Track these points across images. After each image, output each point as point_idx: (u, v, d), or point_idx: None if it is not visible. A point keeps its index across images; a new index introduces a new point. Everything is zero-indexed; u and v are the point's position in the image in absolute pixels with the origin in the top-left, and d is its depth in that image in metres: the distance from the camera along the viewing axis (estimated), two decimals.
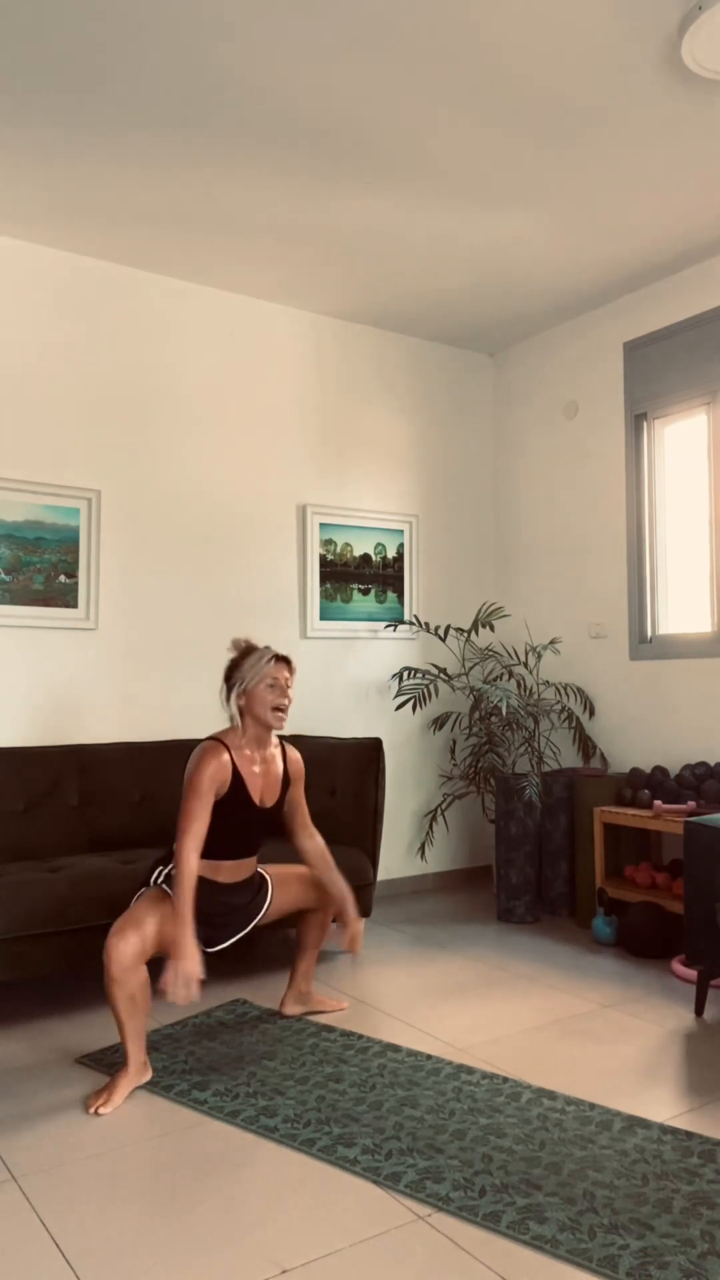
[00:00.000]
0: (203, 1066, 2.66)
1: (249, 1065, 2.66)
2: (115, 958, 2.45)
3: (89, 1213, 1.97)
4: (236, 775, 2.73)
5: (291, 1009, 3.06)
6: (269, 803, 2.83)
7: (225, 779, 2.70)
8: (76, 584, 3.97)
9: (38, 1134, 2.30)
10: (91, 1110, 2.40)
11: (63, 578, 3.95)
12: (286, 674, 2.80)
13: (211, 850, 2.74)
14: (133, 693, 4.11)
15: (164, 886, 2.66)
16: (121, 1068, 2.52)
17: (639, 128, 3.14)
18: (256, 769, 2.80)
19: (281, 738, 2.95)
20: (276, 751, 2.89)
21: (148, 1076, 2.56)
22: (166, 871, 2.71)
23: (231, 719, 2.80)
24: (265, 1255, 1.82)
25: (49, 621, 3.90)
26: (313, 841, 2.95)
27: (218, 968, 3.57)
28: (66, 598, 3.95)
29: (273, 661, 2.78)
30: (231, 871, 2.78)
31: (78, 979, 3.48)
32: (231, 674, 2.81)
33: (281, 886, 2.95)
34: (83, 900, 3.04)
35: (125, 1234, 1.90)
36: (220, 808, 2.70)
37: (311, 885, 2.99)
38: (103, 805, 3.70)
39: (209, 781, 2.65)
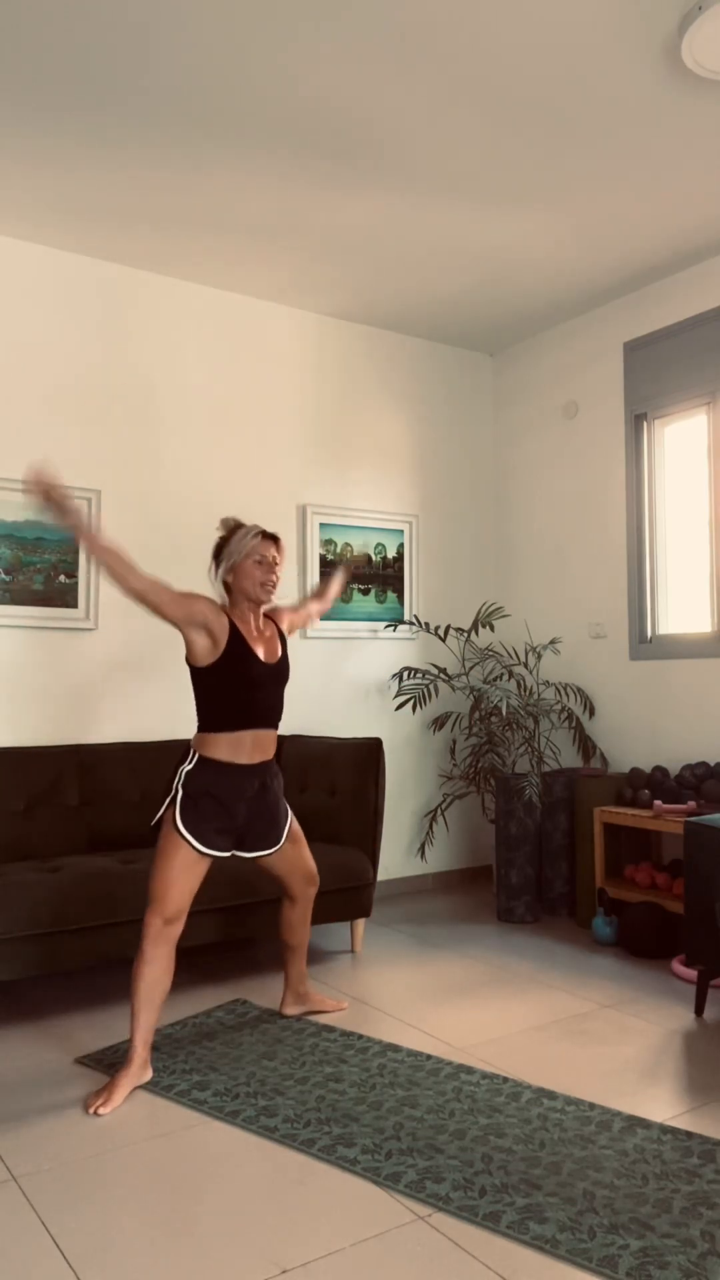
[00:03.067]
0: (203, 1066, 2.66)
1: (249, 1065, 2.66)
2: (153, 934, 2.55)
3: (89, 1213, 1.97)
4: (235, 631, 2.69)
5: (291, 1009, 3.06)
6: (272, 659, 2.79)
7: (222, 629, 2.66)
8: (76, 584, 3.97)
9: (38, 1134, 2.30)
10: (91, 1110, 2.40)
11: (63, 578, 3.95)
12: (274, 551, 2.77)
13: (229, 721, 2.70)
14: (133, 693, 4.11)
15: (178, 825, 2.62)
16: (122, 1066, 2.52)
17: (639, 128, 3.14)
18: (254, 634, 2.78)
19: (270, 613, 2.94)
20: (267, 624, 2.88)
21: (148, 1076, 2.56)
22: (185, 768, 2.69)
23: (221, 596, 2.78)
24: (265, 1255, 1.82)
25: (49, 621, 3.90)
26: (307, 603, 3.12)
27: (218, 968, 3.57)
28: (66, 598, 3.95)
29: (259, 537, 2.75)
30: (253, 746, 2.74)
31: (78, 979, 3.48)
32: (220, 550, 2.79)
33: (294, 834, 2.95)
34: (83, 900, 3.04)
35: (125, 1234, 1.90)
36: (224, 668, 2.67)
37: (305, 868, 2.98)
38: (103, 805, 3.70)
39: (198, 603, 2.62)
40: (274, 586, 2.75)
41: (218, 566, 2.78)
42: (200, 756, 2.71)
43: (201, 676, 2.71)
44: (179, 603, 2.60)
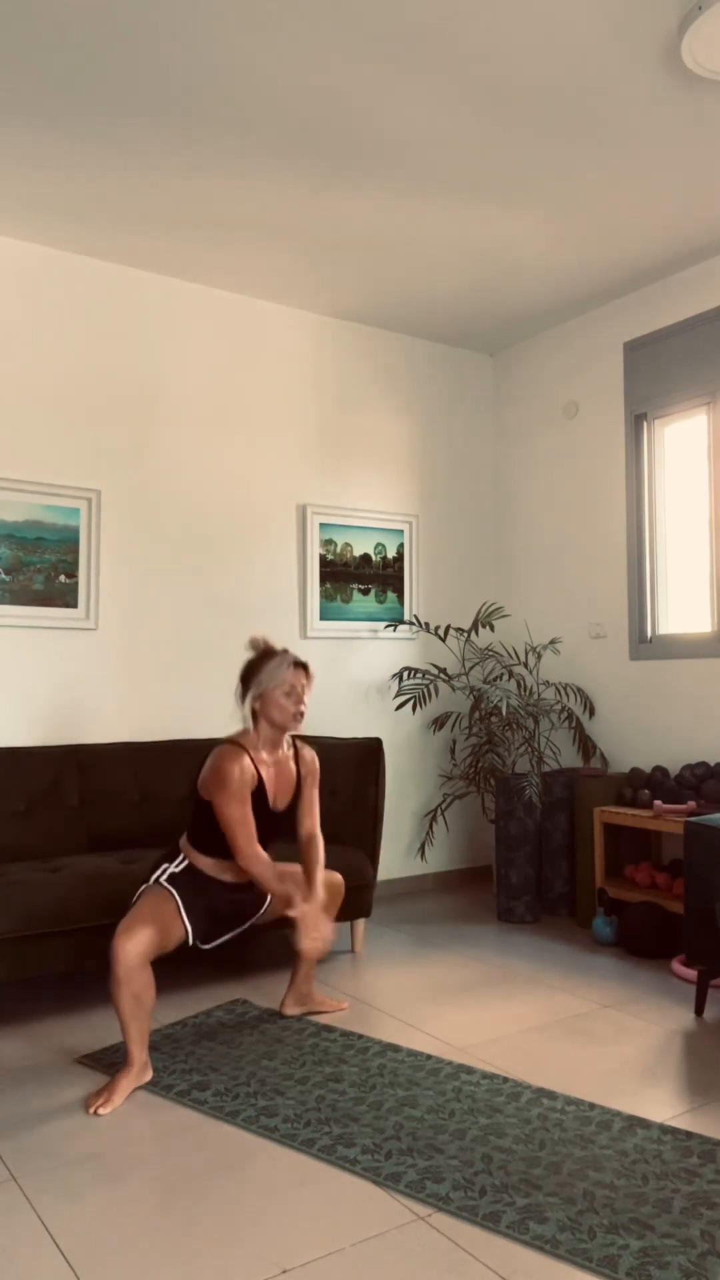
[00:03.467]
0: (203, 1066, 2.66)
1: (249, 1065, 2.66)
2: (121, 957, 2.46)
3: (89, 1213, 1.97)
4: (258, 779, 2.75)
5: (291, 1009, 3.06)
6: (281, 806, 2.85)
7: (252, 782, 2.71)
8: (76, 584, 3.97)
9: (38, 1134, 2.30)
10: (91, 1110, 2.40)
11: (63, 578, 3.95)
12: (304, 680, 2.80)
13: (220, 850, 2.74)
14: (133, 693, 4.11)
15: (166, 885, 2.67)
16: (122, 1068, 2.52)
17: (639, 128, 3.14)
18: (270, 771, 2.82)
19: (294, 736, 2.95)
20: (289, 752, 2.90)
21: (148, 1077, 2.56)
22: (170, 870, 2.71)
23: (245, 720, 2.81)
24: (265, 1255, 1.82)
25: (49, 621, 3.90)
26: (310, 828, 2.93)
27: (218, 968, 3.57)
28: (66, 598, 3.95)
29: (292, 668, 2.78)
30: (238, 872, 2.78)
31: (78, 979, 3.48)
32: (249, 675, 2.81)
33: (329, 887, 2.98)
34: (83, 900, 3.04)
35: (125, 1234, 1.90)
36: None
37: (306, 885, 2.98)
38: (103, 805, 3.70)
39: (241, 785, 2.67)
40: (302, 716, 2.79)
41: (245, 690, 2.80)
42: (189, 864, 2.76)
43: (207, 808, 2.74)
44: (246, 801, 2.67)
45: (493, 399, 5.33)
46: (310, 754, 2.95)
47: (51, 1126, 2.34)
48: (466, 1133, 2.26)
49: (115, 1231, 1.90)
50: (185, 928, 2.63)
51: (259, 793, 2.76)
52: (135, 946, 2.48)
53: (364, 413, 4.84)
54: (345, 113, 3.04)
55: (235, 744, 2.74)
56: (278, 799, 2.83)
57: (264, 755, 2.80)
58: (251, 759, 2.73)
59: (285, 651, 2.82)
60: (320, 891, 2.80)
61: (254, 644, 2.86)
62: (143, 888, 2.71)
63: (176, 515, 4.26)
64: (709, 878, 3.00)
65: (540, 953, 3.78)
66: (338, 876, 3.07)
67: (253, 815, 2.72)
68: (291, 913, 2.66)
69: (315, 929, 2.67)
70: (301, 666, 2.81)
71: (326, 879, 3.00)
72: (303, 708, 2.78)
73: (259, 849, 2.69)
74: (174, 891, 2.66)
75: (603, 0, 2.55)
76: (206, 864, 2.75)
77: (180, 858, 2.76)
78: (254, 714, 2.80)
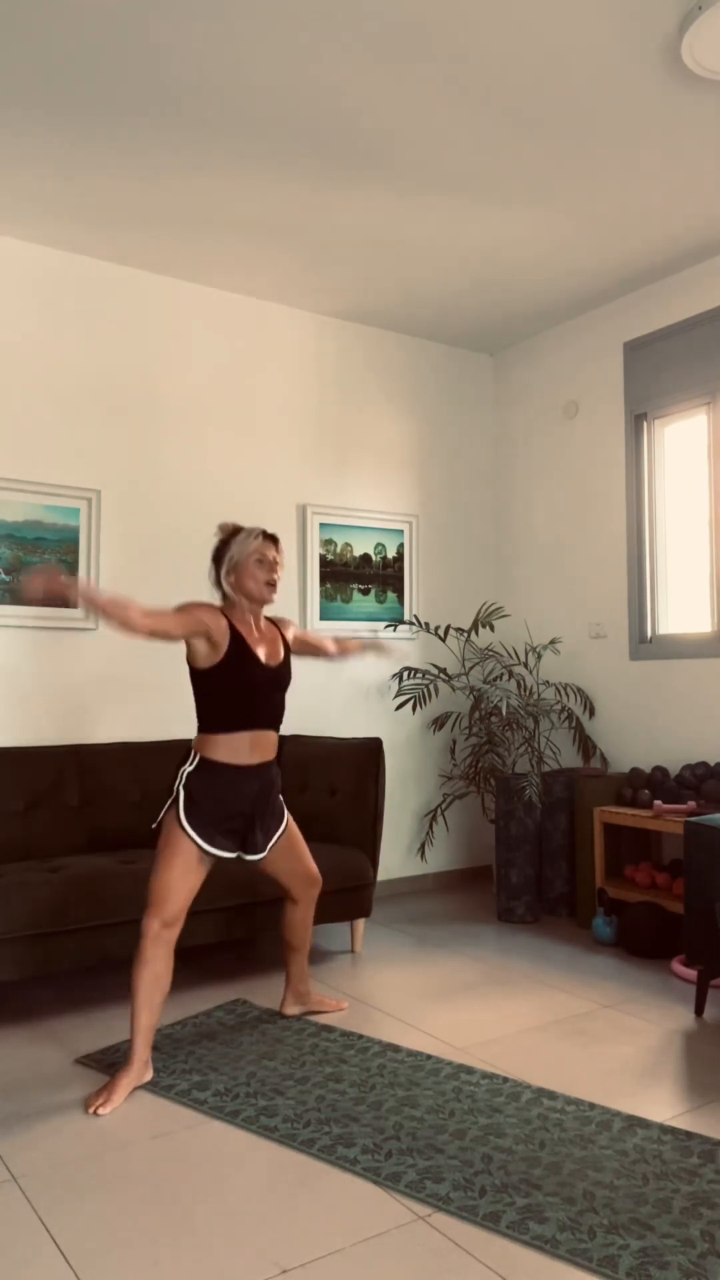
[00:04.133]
0: (203, 1066, 2.66)
1: (249, 1065, 2.66)
2: (151, 935, 2.55)
3: (89, 1213, 1.97)
4: (235, 633, 2.69)
5: (291, 1009, 3.06)
6: (274, 662, 2.79)
7: (222, 633, 2.66)
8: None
9: (38, 1134, 2.30)
10: (91, 1110, 2.40)
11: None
12: (275, 551, 2.78)
13: (229, 722, 2.70)
14: (133, 692, 4.11)
15: (184, 822, 2.62)
16: (123, 1067, 2.52)
17: (639, 128, 3.14)
18: (255, 636, 2.78)
19: (272, 617, 2.97)
20: (270, 627, 2.89)
21: (148, 1077, 2.56)
22: (186, 772, 2.69)
23: (224, 598, 2.78)
24: (265, 1255, 1.82)
25: (49, 621, 3.90)
26: (318, 640, 3.03)
27: (218, 968, 3.57)
28: (66, 598, 3.95)
29: (260, 538, 2.76)
30: (252, 747, 2.74)
31: (78, 979, 3.48)
32: (220, 554, 2.79)
33: (291, 836, 2.94)
34: (83, 900, 3.04)
35: (125, 1234, 1.90)
36: (225, 670, 2.67)
37: (304, 870, 2.98)
38: (103, 805, 3.70)
39: (197, 612, 2.62)
40: (275, 585, 2.77)
41: (218, 570, 2.78)
42: (201, 758, 2.71)
43: (201, 679, 2.71)
44: (181, 621, 2.60)
45: (493, 399, 5.33)
46: (286, 619, 3.00)
47: (51, 1126, 2.34)
48: (466, 1133, 2.26)
49: (115, 1231, 1.91)
50: (210, 854, 2.65)
51: (243, 646, 2.70)
52: (163, 920, 2.56)
53: (364, 413, 4.84)
54: (345, 113, 3.04)
55: (212, 605, 2.74)
56: (268, 657, 2.78)
57: (243, 627, 2.76)
58: (229, 620, 2.70)
59: (255, 527, 2.80)
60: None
61: (222, 528, 2.83)
62: (161, 817, 2.69)
63: (176, 515, 4.26)
64: (709, 878, 3.01)
65: (540, 953, 3.78)
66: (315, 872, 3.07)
67: (242, 676, 2.68)
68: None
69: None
70: (271, 537, 2.79)
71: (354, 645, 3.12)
72: (275, 576, 2.76)
73: (140, 614, 2.55)
74: (190, 831, 2.62)
75: (603, 0, 2.55)
76: (220, 748, 2.70)
77: (193, 756, 2.72)
78: (231, 590, 2.76)
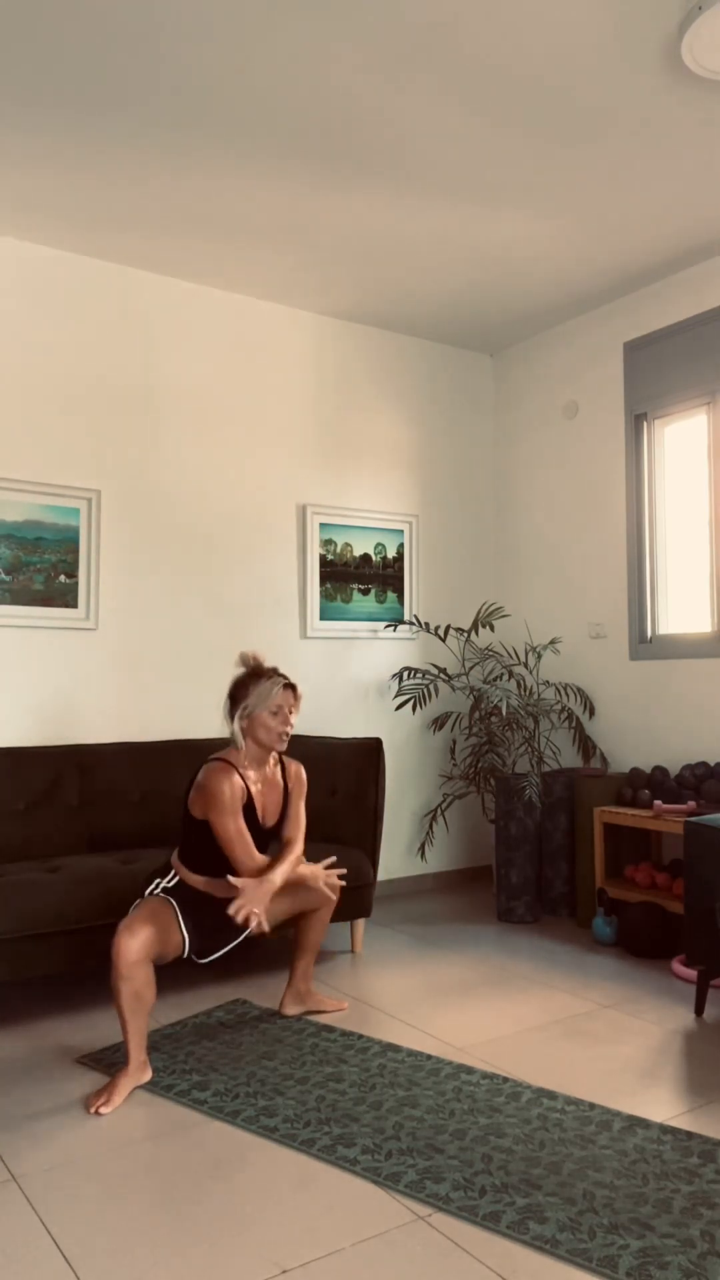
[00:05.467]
0: (203, 1066, 2.66)
1: (249, 1065, 2.66)
2: (123, 953, 2.47)
3: (89, 1213, 1.97)
4: (247, 795, 2.76)
5: (291, 1009, 3.06)
6: (270, 822, 2.87)
7: (242, 796, 2.73)
8: (76, 584, 3.97)
9: (38, 1134, 2.30)
10: (91, 1110, 2.40)
11: (63, 578, 3.95)
12: (293, 701, 2.82)
13: (212, 868, 2.76)
14: (133, 693, 4.11)
15: (162, 895, 2.68)
16: (122, 1067, 2.52)
17: (639, 128, 3.14)
18: (259, 789, 2.83)
19: (286, 762, 2.97)
20: (276, 769, 2.91)
21: (148, 1076, 2.56)
22: (163, 884, 2.73)
23: (233, 737, 2.82)
24: (265, 1255, 1.82)
25: (49, 621, 3.90)
26: (290, 835, 2.89)
27: (217, 968, 3.57)
28: (66, 598, 3.95)
29: (280, 689, 2.80)
30: (229, 889, 2.78)
31: (78, 979, 3.48)
32: (237, 693, 2.82)
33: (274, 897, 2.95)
34: (83, 900, 3.04)
35: (125, 1234, 1.90)
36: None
37: (301, 890, 2.98)
38: (103, 805, 3.70)
39: (233, 800, 2.68)
40: (288, 737, 2.82)
41: (233, 707, 2.81)
42: (180, 880, 2.77)
43: (197, 825, 2.75)
44: (239, 815, 2.69)
45: (493, 399, 5.32)
46: (296, 767, 2.97)
47: (51, 1126, 2.34)
48: (466, 1133, 2.26)
49: (115, 1231, 1.90)
50: (183, 936, 2.64)
51: (249, 810, 2.77)
52: (136, 943, 2.48)
53: (364, 413, 4.84)
54: (345, 113, 3.04)
55: (224, 760, 2.75)
56: (266, 816, 2.85)
57: (251, 773, 2.82)
58: (240, 775, 2.74)
59: (275, 671, 2.83)
60: (275, 876, 2.72)
61: (244, 660, 2.87)
62: (139, 900, 2.72)
63: (176, 515, 4.26)
64: (709, 878, 3.00)
65: (540, 953, 3.78)
66: (335, 866, 3.05)
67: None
68: (237, 883, 2.63)
69: (247, 899, 2.60)
70: (290, 688, 2.82)
71: (319, 868, 2.93)
72: (288, 728, 2.80)
73: (260, 858, 2.71)
74: (171, 900, 2.67)
75: (603, 0, 2.55)
76: (197, 881, 2.76)
77: (171, 874, 2.78)
78: (241, 732, 2.81)
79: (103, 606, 4.05)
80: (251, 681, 2.81)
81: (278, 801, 2.89)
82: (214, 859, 2.74)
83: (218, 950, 2.83)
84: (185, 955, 2.69)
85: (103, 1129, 2.32)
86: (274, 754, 2.90)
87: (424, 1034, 2.91)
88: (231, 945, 2.86)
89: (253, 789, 2.79)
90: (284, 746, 2.83)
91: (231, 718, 2.81)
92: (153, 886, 2.73)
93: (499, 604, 5.23)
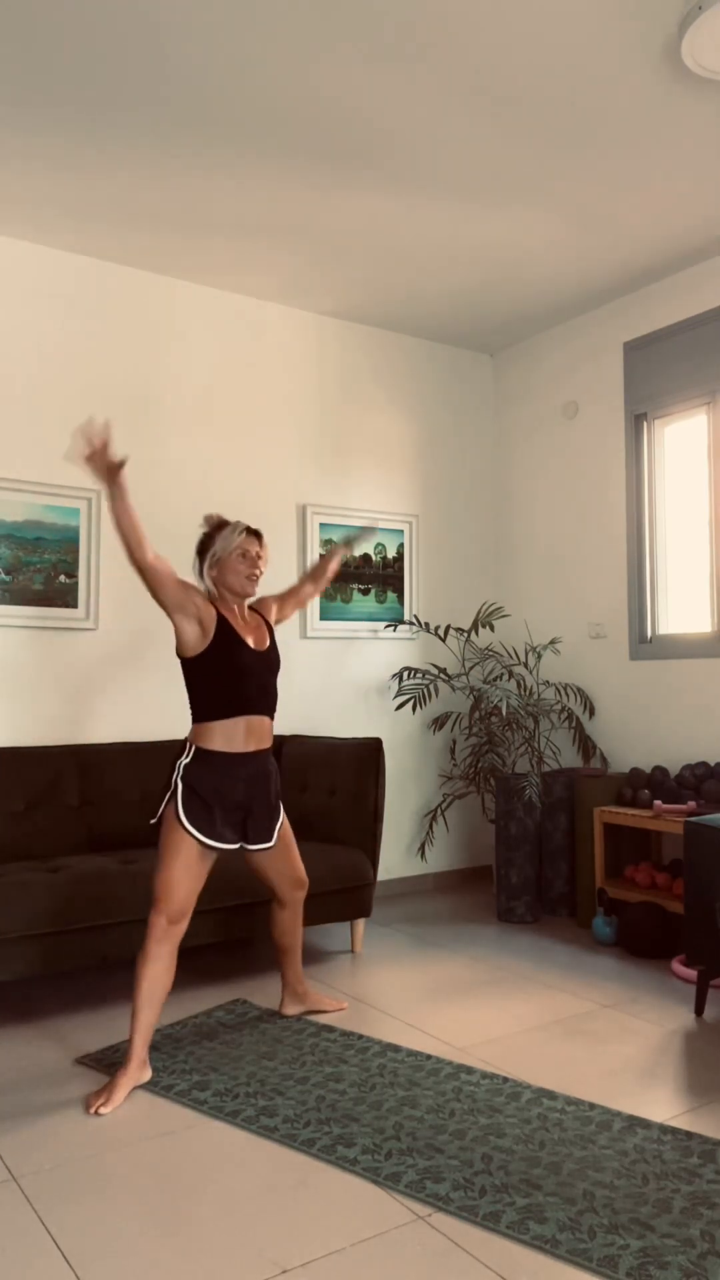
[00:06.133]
0: (203, 1066, 2.66)
1: (249, 1065, 2.66)
2: (157, 933, 2.57)
3: (89, 1213, 1.97)
4: (222, 620, 2.73)
5: (291, 1009, 3.06)
6: (261, 647, 2.82)
7: (210, 618, 2.71)
8: (76, 584, 3.97)
9: (38, 1134, 2.30)
10: (91, 1110, 2.40)
11: (63, 578, 3.95)
12: (258, 546, 2.83)
13: (222, 709, 2.72)
14: (133, 693, 4.11)
15: (183, 821, 2.63)
16: (122, 1067, 2.52)
17: (639, 128, 3.14)
18: (241, 622, 2.82)
19: (253, 605, 3.04)
20: (252, 615, 2.92)
21: (147, 1076, 2.56)
22: (182, 764, 2.70)
23: (207, 591, 2.82)
24: (265, 1255, 1.82)
25: (49, 621, 3.90)
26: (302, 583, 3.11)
27: (218, 968, 3.57)
28: (66, 598, 3.95)
29: (244, 534, 2.80)
30: (247, 734, 2.74)
31: (78, 979, 3.48)
32: (204, 547, 2.84)
33: (284, 836, 2.93)
34: (83, 900, 3.04)
35: (125, 1234, 1.90)
36: (214, 655, 2.70)
37: (293, 872, 2.97)
38: (103, 805, 3.70)
39: (192, 592, 2.69)
40: (257, 579, 2.82)
41: (202, 562, 2.84)
42: (197, 748, 2.72)
43: (192, 666, 2.74)
44: (177, 587, 2.66)
45: (493, 399, 5.33)
46: (266, 599, 3.04)
47: (51, 1126, 2.34)
48: (466, 1133, 2.26)
49: (115, 1231, 1.90)
50: (211, 848, 2.66)
51: (230, 632, 2.73)
52: (172, 909, 2.57)
53: (364, 413, 4.84)
54: (345, 113, 3.04)
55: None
56: (255, 641, 2.82)
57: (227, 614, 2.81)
58: (216, 609, 2.74)
59: (237, 522, 2.84)
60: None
61: (207, 520, 2.88)
62: (159, 814, 2.70)
63: (176, 515, 4.25)
64: (709, 878, 3.01)
65: (540, 953, 3.78)
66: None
67: (232, 660, 2.71)
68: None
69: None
70: (254, 533, 2.83)
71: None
72: (258, 571, 2.81)
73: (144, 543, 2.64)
74: (188, 826, 2.62)
75: (603, 1, 2.55)
76: (215, 737, 2.71)
77: (189, 747, 2.73)
78: (213, 584, 2.82)
79: (103, 606, 4.05)
80: (216, 533, 2.83)
81: (263, 633, 2.88)
82: (221, 695, 2.71)
83: (262, 837, 2.81)
84: (217, 850, 2.69)
85: (103, 1129, 2.32)
86: (247, 607, 2.92)
87: (424, 1034, 2.91)
88: (269, 843, 2.83)
89: (233, 620, 2.78)
90: (254, 589, 2.81)
91: (201, 574, 2.83)
92: (175, 772, 2.70)
93: (499, 604, 5.23)
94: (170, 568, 2.65)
